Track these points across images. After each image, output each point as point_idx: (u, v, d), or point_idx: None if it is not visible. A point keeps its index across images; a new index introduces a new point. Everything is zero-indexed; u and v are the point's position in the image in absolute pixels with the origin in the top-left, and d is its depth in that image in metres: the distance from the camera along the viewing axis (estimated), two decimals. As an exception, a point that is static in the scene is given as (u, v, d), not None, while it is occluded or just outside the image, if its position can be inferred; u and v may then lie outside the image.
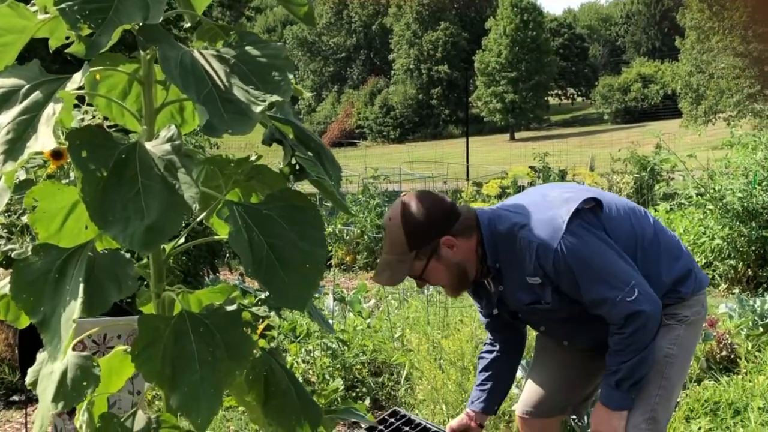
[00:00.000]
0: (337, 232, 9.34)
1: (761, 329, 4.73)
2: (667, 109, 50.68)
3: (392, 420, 2.89)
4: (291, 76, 1.39)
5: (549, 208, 2.26)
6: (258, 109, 1.30)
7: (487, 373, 2.60)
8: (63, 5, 1.25)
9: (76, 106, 1.69)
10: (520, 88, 55.74)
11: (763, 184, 6.76)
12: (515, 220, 2.27)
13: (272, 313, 3.94)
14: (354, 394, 4.10)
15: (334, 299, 4.52)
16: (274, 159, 1.64)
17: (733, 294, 6.68)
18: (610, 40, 74.29)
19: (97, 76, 1.57)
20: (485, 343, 2.67)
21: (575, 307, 2.27)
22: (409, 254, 2.24)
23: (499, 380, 2.60)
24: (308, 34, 70.12)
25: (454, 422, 2.63)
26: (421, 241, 2.25)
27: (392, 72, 65.26)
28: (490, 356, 2.61)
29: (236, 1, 17.47)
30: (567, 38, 65.82)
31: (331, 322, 4.00)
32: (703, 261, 7.27)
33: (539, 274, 2.22)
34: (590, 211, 2.26)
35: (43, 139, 1.23)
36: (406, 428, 2.81)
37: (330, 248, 9.61)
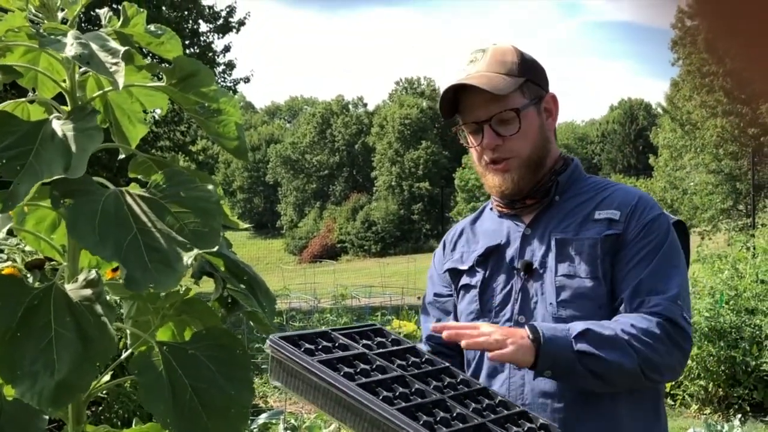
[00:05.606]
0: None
1: (731, 455, 4.63)
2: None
3: None
4: (220, 221, 1.36)
5: None
6: (185, 259, 1.22)
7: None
8: (-24, 155, 1.22)
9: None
10: (499, 204, 56.46)
11: (730, 303, 6.78)
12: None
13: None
14: None
15: (285, 429, 4.40)
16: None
17: (705, 415, 6.58)
18: (586, 158, 75.93)
19: (25, 209, 1.56)
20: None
21: (598, 289, 1.73)
22: (516, 78, 1.76)
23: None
24: (291, 153, 71.27)
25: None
26: (532, 73, 1.80)
27: (374, 189, 66.11)
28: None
29: (188, 144, 18.65)
30: (544, 156, 67.27)
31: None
32: (673, 381, 7.17)
33: (624, 212, 1.74)
34: None
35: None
36: None
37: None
